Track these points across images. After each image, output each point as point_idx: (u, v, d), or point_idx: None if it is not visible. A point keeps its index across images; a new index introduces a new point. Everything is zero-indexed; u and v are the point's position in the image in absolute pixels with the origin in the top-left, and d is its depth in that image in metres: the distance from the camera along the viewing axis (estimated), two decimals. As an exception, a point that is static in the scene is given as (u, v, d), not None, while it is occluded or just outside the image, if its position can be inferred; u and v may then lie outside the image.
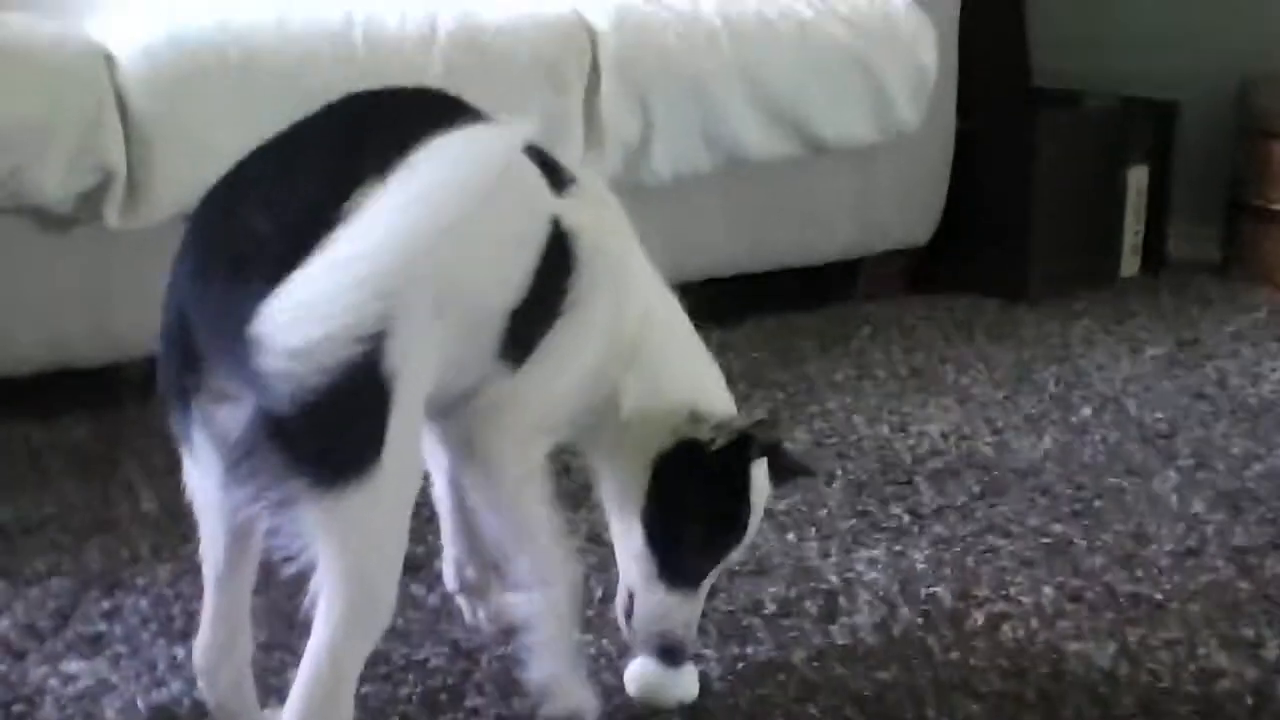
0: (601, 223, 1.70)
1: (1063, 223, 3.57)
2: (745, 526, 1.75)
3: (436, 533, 2.22)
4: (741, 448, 1.70)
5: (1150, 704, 1.85)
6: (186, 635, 1.91)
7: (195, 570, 2.05)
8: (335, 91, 2.53)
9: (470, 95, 2.68)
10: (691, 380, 1.76)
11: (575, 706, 1.72)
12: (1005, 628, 2.03)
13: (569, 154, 2.78)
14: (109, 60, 2.39)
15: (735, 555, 1.79)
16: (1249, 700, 1.87)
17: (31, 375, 2.52)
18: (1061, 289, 3.55)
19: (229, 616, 1.61)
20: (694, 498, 1.71)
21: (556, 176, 1.67)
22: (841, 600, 2.08)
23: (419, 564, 2.13)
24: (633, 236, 1.75)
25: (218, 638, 1.61)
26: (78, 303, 2.51)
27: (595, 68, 2.80)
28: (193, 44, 2.44)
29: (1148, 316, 3.45)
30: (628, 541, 1.74)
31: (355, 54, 2.56)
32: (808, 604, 2.06)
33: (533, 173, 1.63)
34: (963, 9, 3.55)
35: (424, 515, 2.24)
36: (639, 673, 1.80)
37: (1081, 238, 3.64)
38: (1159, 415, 2.83)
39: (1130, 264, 3.76)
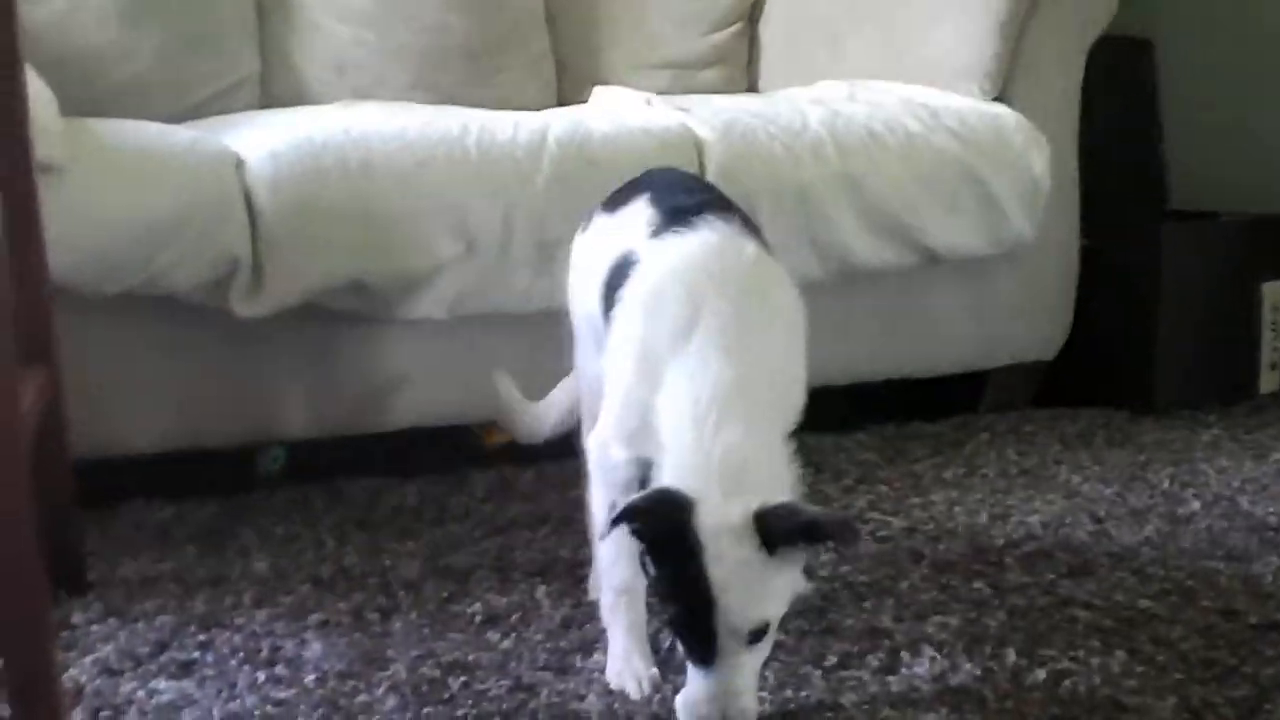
0: (664, 258, 1.95)
1: (1192, 337, 3.56)
2: (710, 597, 1.73)
3: (512, 586, 2.33)
4: (667, 523, 1.75)
5: (1203, 751, 1.85)
6: (272, 664, 2.05)
7: (291, 615, 2.22)
8: (449, 194, 2.74)
9: (579, 202, 2.87)
10: (681, 449, 1.82)
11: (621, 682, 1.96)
12: (1066, 683, 2.03)
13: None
14: (239, 163, 2.61)
15: (733, 627, 1.75)
16: (1307, 749, 1.85)
17: (165, 455, 2.71)
18: (1192, 403, 3.53)
19: None
20: (661, 571, 1.81)
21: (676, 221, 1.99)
22: (904, 655, 2.11)
23: (496, 614, 2.24)
24: (714, 280, 1.91)
25: None
26: (211, 388, 2.69)
27: (702, 175, 2.93)
28: (316, 148, 2.65)
29: (1280, 428, 3.42)
30: None
31: (469, 158, 2.74)
32: (870, 659, 2.10)
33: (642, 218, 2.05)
34: (1097, 131, 3.61)
35: (501, 574, 2.36)
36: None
37: (1214, 353, 3.63)
38: (1272, 510, 2.80)
39: (1269, 381, 3.71)
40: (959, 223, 3.21)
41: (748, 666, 1.79)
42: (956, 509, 2.77)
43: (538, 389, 2.91)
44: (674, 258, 1.97)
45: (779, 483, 1.83)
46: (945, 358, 3.36)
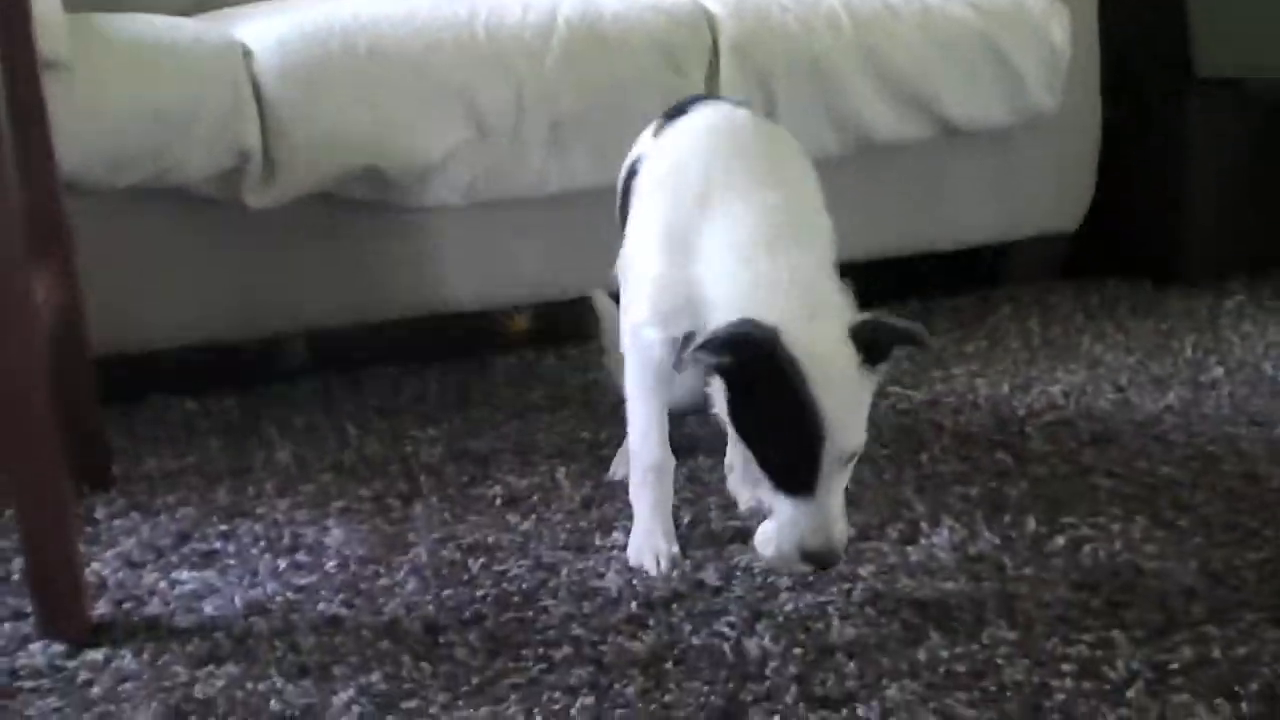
0: (668, 144, 2.03)
1: (1217, 206, 3.52)
2: (809, 427, 1.69)
3: (532, 469, 2.35)
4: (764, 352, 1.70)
5: (1222, 612, 1.85)
6: (293, 551, 2.07)
7: (312, 503, 2.23)
8: (458, 79, 2.71)
9: (590, 80, 2.83)
10: (741, 290, 1.80)
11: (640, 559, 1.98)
12: (1086, 549, 2.04)
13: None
14: (246, 52, 2.59)
15: (839, 451, 1.71)
16: (1327, 609, 1.85)
17: (187, 349, 2.72)
18: (1220, 272, 3.49)
19: None
20: (749, 405, 1.75)
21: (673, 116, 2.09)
22: (924, 525, 2.11)
23: (517, 496, 2.25)
24: (721, 142, 1.96)
25: None
26: (229, 280, 2.70)
27: (715, 52, 2.89)
28: (323, 35, 2.62)
29: (1310, 293, 3.38)
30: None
31: (477, 42, 2.71)
32: (889, 529, 2.10)
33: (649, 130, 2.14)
34: (1118, -1, 3.56)
35: (522, 456, 2.38)
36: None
37: (1240, 221, 3.58)
38: (1296, 374, 2.79)
39: (1296, 248, 3.68)
40: (978, 93, 3.16)
41: (842, 491, 1.75)
42: (978, 380, 2.76)
43: (557, 274, 2.91)
44: (677, 139, 2.03)
45: (845, 302, 1.80)
46: (967, 231, 3.33)
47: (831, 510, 1.73)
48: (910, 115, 3.11)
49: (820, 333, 1.72)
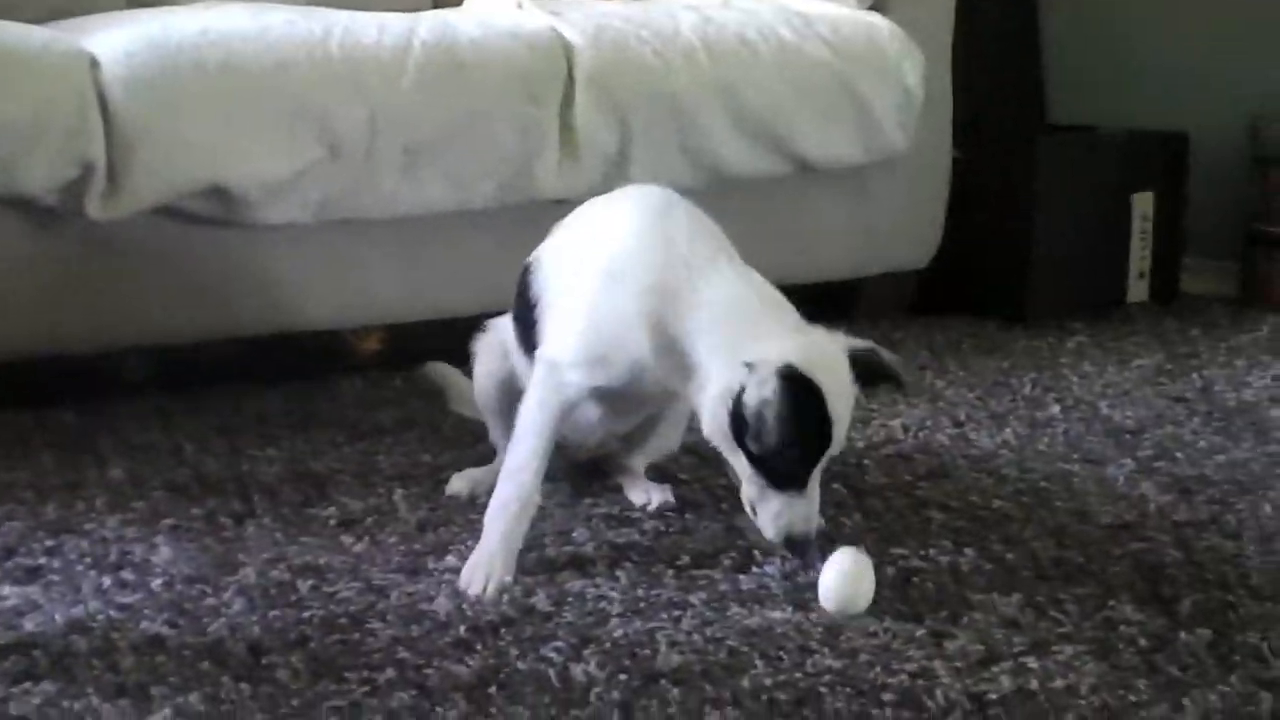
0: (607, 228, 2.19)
1: (1064, 248, 3.61)
2: (824, 434, 1.97)
3: (370, 491, 2.34)
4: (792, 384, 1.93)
5: (1043, 645, 1.88)
6: (119, 568, 2.04)
7: (143, 521, 2.20)
8: (311, 98, 2.70)
9: (445, 105, 2.83)
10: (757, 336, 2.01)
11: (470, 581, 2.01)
12: (915, 579, 2.07)
13: (545, 163, 2.90)
14: (93, 63, 2.56)
15: (834, 451, 1.99)
16: (1143, 643, 1.89)
17: (27, 361, 2.67)
18: (1063, 313, 3.58)
19: None
20: (764, 427, 1.94)
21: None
22: (756, 554, 2.13)
23: (352, 518, 2.24)
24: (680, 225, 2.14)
25: None
26: (72, 293, 2.65)
27: (571, 81, 2.91)
28: (172, 48, 2.59)
29: (1146, 335, 3.47)
30: (736, 464, 2.01)
31: (331, 61, 2.70)
32: (723, 558, 2.12)
33: None
34: (975, 43, 3.63)
35: (362, 479, 2.37)
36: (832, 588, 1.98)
37: (1085, 263, 3.68)
38: (1129, 414, 2.85)
39: (1138, 291, 3.78)
40: (833, 131, 3.21)
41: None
42: (820, 414, 2.79)
43: (408, 295, 2.91)
44: (625, 220, 2.16)
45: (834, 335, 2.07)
46: (819, 266, 3.38)
47: (815, 501, 2.00)
48: (765, 152, 3.16)
49: (832, 363, 1.99)
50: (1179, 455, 2.61)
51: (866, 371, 2.04)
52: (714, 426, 2.01)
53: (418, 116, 2.75)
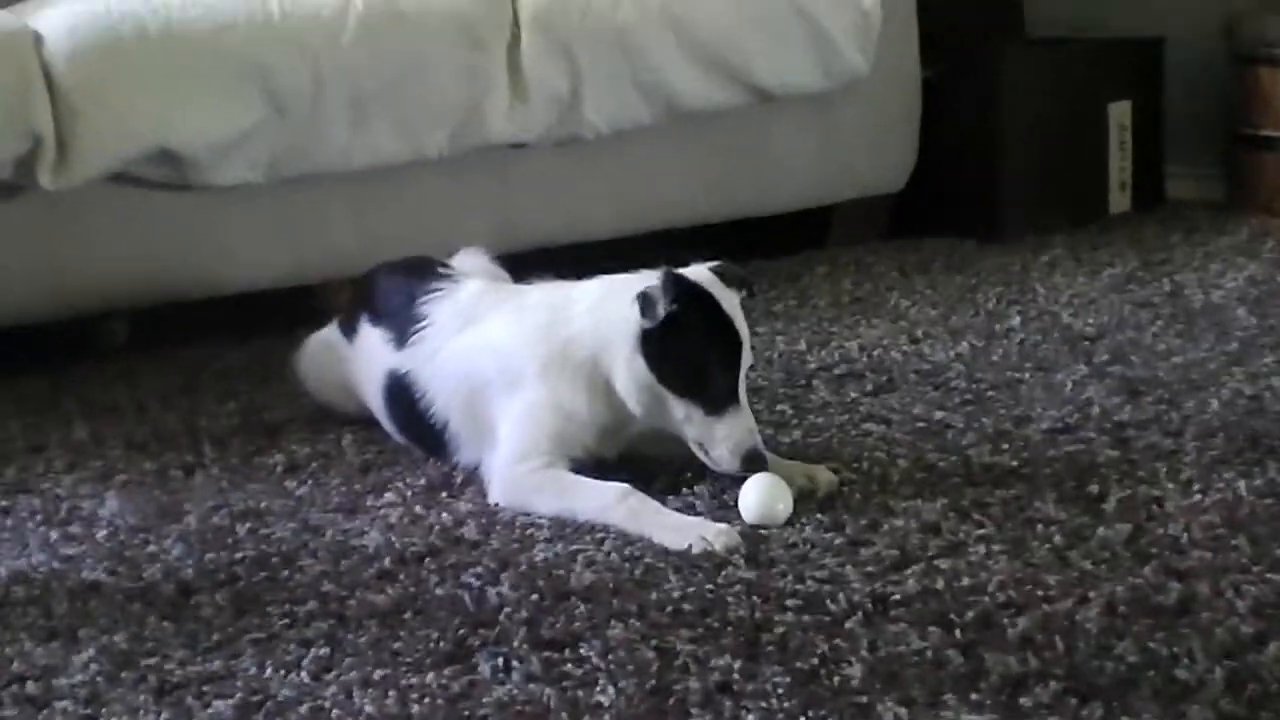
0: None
1: (1039, 163, 3.60)
2: (731, 342, 2.06)
3: (319, 437, 2.39)
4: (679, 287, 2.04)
5: (958, 546, 1.90)
6: (67, 523, 2.10)
7: (97, 477, 2.26)
8: (252, 58, 2.74)
9: (389, 56, 2.87)
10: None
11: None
12: (843, 490, 2.09)
13: (495, 108, 2.93)
14: (36, 38, 2.62)
15: (748, 360, 2.09)
16: (1058, 539, 1.91)
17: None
18: (1041, 227, 3.57)
19: None
20: (680, 344, 2.05)
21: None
22: (688, 474, 2.15)
23: (298, 463, 2.30)
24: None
25: None
26: (35, 261, 2.72)
27: (516, 23, 2.94)
28: (114, 19, 2.64)
29: (1124, 245, 3.46)
30: (672, 418, 2.07)
31: (272, 21, 2.74)
32: (655, 482, 2.15)
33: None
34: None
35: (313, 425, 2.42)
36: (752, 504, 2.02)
37: (1062, 177, 3.66)
38: (1090, 321, 2.86)
39: (1119, 201, 3.76)
40: (788, 58, 3.22)
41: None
42: (779, 338, 2.82)
43: (368, 249, 2.95)
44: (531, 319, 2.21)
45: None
46: (788, 195, 3.40)
47: (751, 415, 2.08)
48: (721, 83, 3.17)
49: (699, 273, 2.10)
50: (1134, 358, 2.62)
51: (734, 279, 2.13)
52: (635, 386, 2.08)
53: (361, 70, 2.79)
